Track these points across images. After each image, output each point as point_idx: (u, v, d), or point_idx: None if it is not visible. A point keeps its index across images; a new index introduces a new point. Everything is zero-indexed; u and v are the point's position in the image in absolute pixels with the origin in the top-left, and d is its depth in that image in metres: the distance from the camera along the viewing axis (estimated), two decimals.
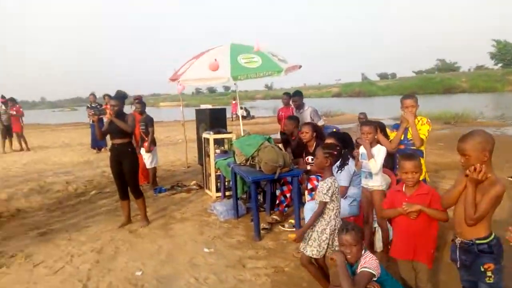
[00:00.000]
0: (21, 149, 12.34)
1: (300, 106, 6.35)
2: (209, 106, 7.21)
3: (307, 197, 4.52)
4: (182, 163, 9.27)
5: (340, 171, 3.26)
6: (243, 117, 22.22)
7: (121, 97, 4.91)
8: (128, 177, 4.83)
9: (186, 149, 9.02)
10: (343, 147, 2.96)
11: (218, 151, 6.06)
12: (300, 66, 6.87)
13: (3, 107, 12.18)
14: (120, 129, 4.65)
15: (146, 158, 6.68)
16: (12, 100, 12.55)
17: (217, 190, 6.05)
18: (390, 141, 3.87)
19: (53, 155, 10.99)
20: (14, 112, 12.26)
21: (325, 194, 2.73)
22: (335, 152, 2.83)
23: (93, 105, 11.23)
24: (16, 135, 12.45)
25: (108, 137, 4.93)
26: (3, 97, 12.42)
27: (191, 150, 9.68)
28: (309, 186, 4.39)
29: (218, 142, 6.15)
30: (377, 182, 3.62)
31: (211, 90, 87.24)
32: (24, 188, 7.21)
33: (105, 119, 4.88)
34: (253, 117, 24.53)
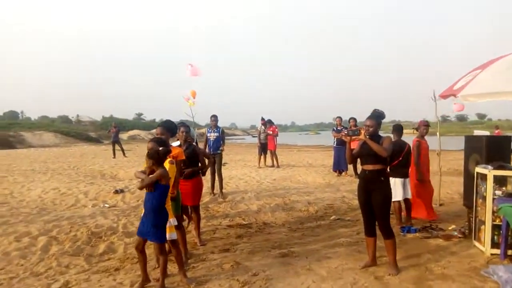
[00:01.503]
0: (273, 165, 13.67)
1: None
2: (486, 133, 5.60)
3: None
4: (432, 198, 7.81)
5: None
6: None
7: (376, 116, 4.24)
8: (378, 211, 4.07)
9: (439, 183, 7.55)
10: None
11: (498, 192, 4.48)
12: None
13: (263, 127, 13.87)
14: (373, 153, 3.97)
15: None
16: (270, 121, 14.17)
17: (493, 245, 4.46)
18: None
19: (297, 174, 11.55)
20: (271, 132, 13.76)
21: None
22: None
23: (338, 128, 11.21)
24: (270, 153, 13.91)
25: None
26: (263, 119, 14.19)
27: (443, 185, 8.18)
28: None
29: (499, 181, 4.56)
30: None
31: (460, 118, 76.55)
32: (271, 202, 7.59)
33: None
34: None
